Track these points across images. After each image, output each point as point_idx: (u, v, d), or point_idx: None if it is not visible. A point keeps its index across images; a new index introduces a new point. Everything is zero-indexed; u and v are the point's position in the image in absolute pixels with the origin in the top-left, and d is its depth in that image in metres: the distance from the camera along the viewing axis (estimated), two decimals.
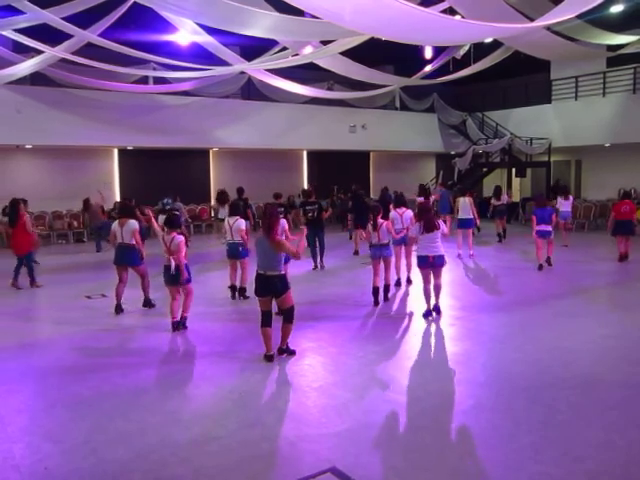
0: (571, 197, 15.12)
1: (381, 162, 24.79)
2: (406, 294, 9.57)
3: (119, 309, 8.43)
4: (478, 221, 13.78)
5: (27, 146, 17.13)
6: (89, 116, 16.55)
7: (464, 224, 13.20)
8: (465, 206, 13.09)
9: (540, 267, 11.41)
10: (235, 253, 9.13)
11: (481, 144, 22.28)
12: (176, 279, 7.36)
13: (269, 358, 6.19)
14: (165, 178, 18.88)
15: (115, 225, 8.48)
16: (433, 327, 7.63)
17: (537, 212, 11.47)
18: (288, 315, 6.26)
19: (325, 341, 7.09)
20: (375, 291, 8.77)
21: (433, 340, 7.15)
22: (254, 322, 7.75)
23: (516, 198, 21.86)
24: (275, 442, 4.41)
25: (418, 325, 7.70)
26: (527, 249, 13.75)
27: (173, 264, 7.27)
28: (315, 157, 22.92)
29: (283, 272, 6.16)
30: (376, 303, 8.72)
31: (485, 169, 22.64)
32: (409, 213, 9.92)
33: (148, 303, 8.67)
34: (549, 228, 11.30)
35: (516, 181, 22.34)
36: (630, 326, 7.56)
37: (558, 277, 10.98)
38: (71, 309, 8.82)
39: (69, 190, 17.58)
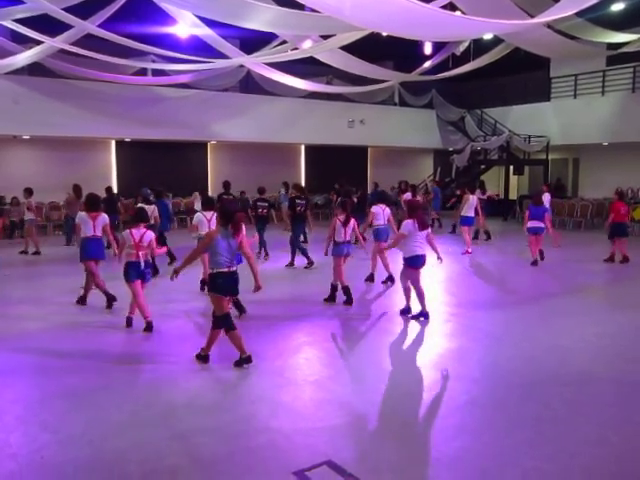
0: (547, 194, 14.99)
1: (379, 157, 24.78)
2: (399, 290, 9.55)
3: (114, 299, 8.32)
4: (482, 221, 13.97)
5: (24, 137, 17.07)
6: (87, 107, 16.49)
7: (470, 221, 13.25)
8: (473, 204, 13.12)
9: (535, 263, 11.46)
10: None
11: (479, 141, 22.31)
12: (143, 275, 7.15)
13: (249, 359, 5.82)
14: (163, 170, 18.83)
15: (85, 217, 8.18)
16: (428, 323, 7.64)
17: (531, 209, 11.55)
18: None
19: (321, 335, 7.10)
20: (347, 290, 8.53)
21: (428, 336, 7.16)
22: (246, 314, 7.77)
23: (513, 196, 21.90)
24: (271, 435, 4.42)
25: (414, 321, 7.70)
26: (524, 247, 13.78)
27: (143, 260, 7.08)
28: (313, 151, 22.89)
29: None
30: (350, 302, 8.48)
31: (483, 166, 22.67)
32: (388, 210, 9.95)
33: (83, 301, 8.40)
34: (541, 225, 11.45)
35: (514, 179, 22.38)
36: (626, 325, 7.59)
37: (554, 275, 11.02)
38: (65, 301, 8.79)
39: (66, 181, 17.37)
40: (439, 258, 7.80)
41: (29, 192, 13.43)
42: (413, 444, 4.31)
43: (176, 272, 5.90)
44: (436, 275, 10.98)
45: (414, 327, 7.47)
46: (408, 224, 7.46)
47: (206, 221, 8.61)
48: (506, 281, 10.67)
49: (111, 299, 8.27)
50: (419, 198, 15.70)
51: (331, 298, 8.62)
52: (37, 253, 13.10)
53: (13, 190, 15.44)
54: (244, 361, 5.80)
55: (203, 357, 5.95)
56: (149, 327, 7.08)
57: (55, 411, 4.86)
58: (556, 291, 9.71)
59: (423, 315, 7.69)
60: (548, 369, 5.87)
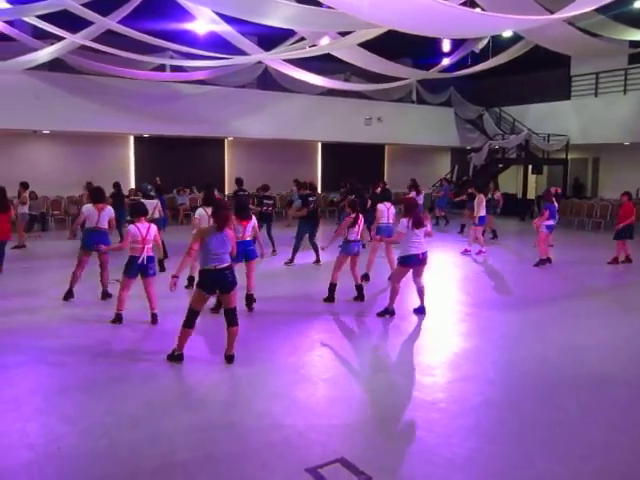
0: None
1: (396, 155, 24.69)
2: (414, 289, 9.51)
3: (70, 295, 8.42)
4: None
5: (45, 132, 17.26)
6: (106, 103, 16.64)
7: (483, 221, 13.19)
8: (484, 204, 13.08)
9: (543, 262, 11.44)
10: None
11: (497, 139, 22.12)
12: (145, 269, 7.18)
13: (180, 357, 5.85)
14: (180, 166, 18.97)
15: (90, 209, 8.32)
16: (443, 323, 7.61)
17: (551, 207, 11.49)
18: (234, 316, 5.83)
19: (334, 333, 7.11)
20: (333, 287, 8.49)
21: (443, 335, 7.14)
22: (260, 310, 7.79)
23: (531, 195, 21.71)
24: (284, 431, 4.44)
25: (429, 320, 7.69)
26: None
27: (145, 254, 7.10)
28: (330, 149, 22.87)
29: (230, 263, 5.84)
30: (332, 300, 8.45)
31: (501, 165, 22.49)
32: (393, 209, 9.97)
33: (106, 294, 8.51)
34: (554, 223, 11.60)
35: (532, 178, 22.18)
36: None
37: (570, 276, 10.91)
38: (83, 293, 8.88)
39: (85, 176, 17.58)
40: None
41: (25, 186, 13.54)
42: (426, 444, 4.30)
43: (175, 276, 5.83)
44: (451, 274, 10.95)
45: (429, 326, 7.45)
46: (402, 222, 7.50)
47: (207, 216, 8.42)
48: (521, 282, 10.58)
49: (69, 295, 8.43)
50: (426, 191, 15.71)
51: (360, 297, 8.58)
52: (22, 247, 13.04)
53: (32, 184, 15.62)
54: (175, 358, 5.85)
55: (231, 358, 5.89)
56: (118, 319, 7.25)
57: (72, 402, 4.93)
58: (572, 292, 9.62)
59: (385, 311, 7.71)
60: (562, 371, 5.83)
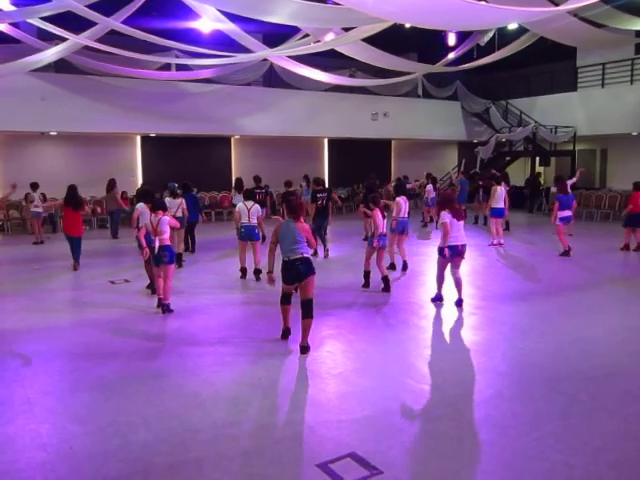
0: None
1: (403, 150, 24.63)
2: (424, 282, 9.52)
3: (152, 286, 8.76)
4: (507, 213, 13.60)
5: (52, 133, 17.33)
6: (113, 103, 16.68)
7: (499, 213, 13.10)
8: (501, 195, 12.99)
9: (566, 253, 11.43)
10: (252, 235, 9.61)
11: (504, 132, 22.02)
12: (160, 259, 7.61)
13: (286, 332, 6.36)
14: (187, 165, 18.98)
15: (144, 209, 8.59)
16: (453, 316, 7.60)
17: (562, 198, 11.41)
18: (310, 308, 6.09)
19: (344, 328, 7.10)
20: (367, 274, 9.05)
21: (454, 329, 7.13)
22: (269, 305, 7.80)
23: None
24: (295, 427, 4.45)
25: (438, 313, 7.68)
26: (550, 239, 13.58)
27: (157, 244, 7.55)
28: (336, 145, 22.84)
29: (307, 255, 6.13)
30: (367, 285, 8.99)
31: (508, 158, 22.40)
32: (408, 203, 10.30)
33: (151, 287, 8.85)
34: (570, 213, 11.48)
35: (540, 170, 22.06)
36: None
37: (580, 267, 10.86)
38: (94, 294, 8.95)
39: (93, 177, 17.69)
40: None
41: (33, 187, 14.51)
42: (437, 438, 4.29)
43: (269, 272, 6.36)
44: (462, 267, 10.90)
45: (439, 320, 7.45)
46: (445, 215, 7.63)
47: (246, 210, 9.51)
48: (532, 273, 10.55)
49: (151, 285, 8.78)
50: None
51: (386, 288, 8.86)
52: (40, 243, 14.20)
53: (41, 186, 15.70)
54: (283, 334, 6.43)
55: (304, 348, 6.13)
56: (166, 308, 7.67)
57: (84, 403, 4.95)
58: (582, 283, 9.57)
59: (438, 298, 8.09)
60: (574, 362, 5.81)
